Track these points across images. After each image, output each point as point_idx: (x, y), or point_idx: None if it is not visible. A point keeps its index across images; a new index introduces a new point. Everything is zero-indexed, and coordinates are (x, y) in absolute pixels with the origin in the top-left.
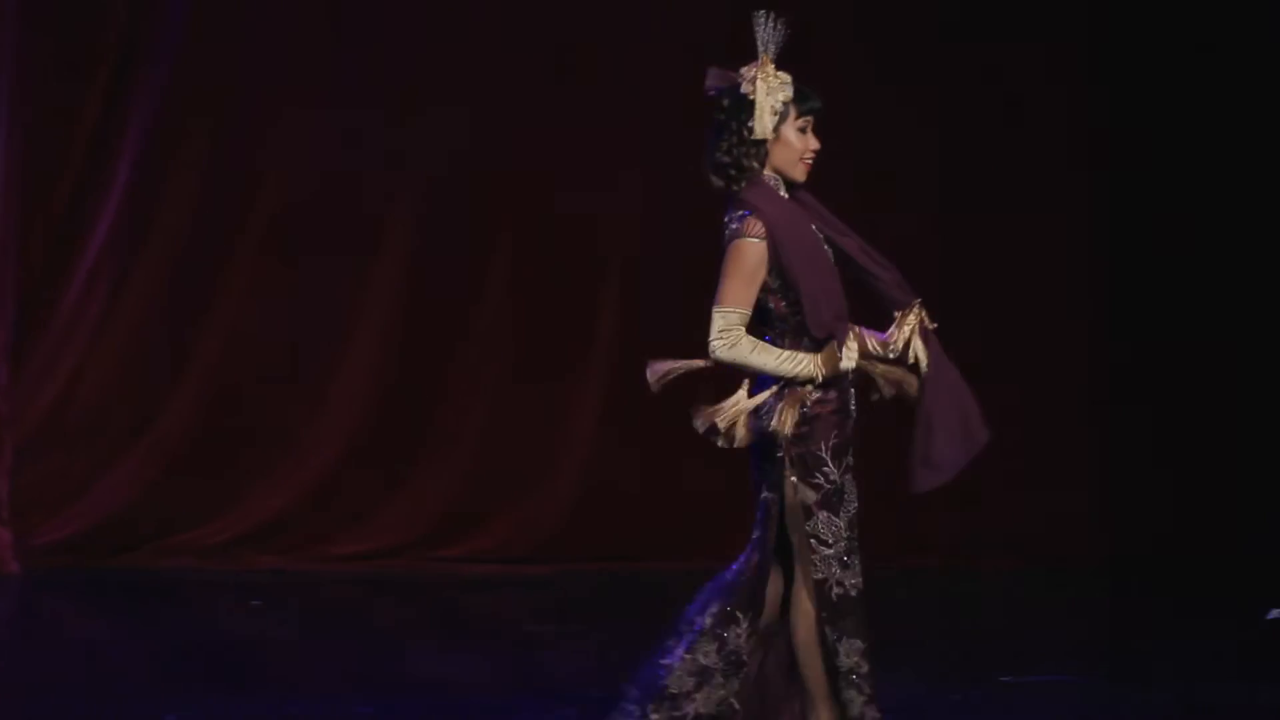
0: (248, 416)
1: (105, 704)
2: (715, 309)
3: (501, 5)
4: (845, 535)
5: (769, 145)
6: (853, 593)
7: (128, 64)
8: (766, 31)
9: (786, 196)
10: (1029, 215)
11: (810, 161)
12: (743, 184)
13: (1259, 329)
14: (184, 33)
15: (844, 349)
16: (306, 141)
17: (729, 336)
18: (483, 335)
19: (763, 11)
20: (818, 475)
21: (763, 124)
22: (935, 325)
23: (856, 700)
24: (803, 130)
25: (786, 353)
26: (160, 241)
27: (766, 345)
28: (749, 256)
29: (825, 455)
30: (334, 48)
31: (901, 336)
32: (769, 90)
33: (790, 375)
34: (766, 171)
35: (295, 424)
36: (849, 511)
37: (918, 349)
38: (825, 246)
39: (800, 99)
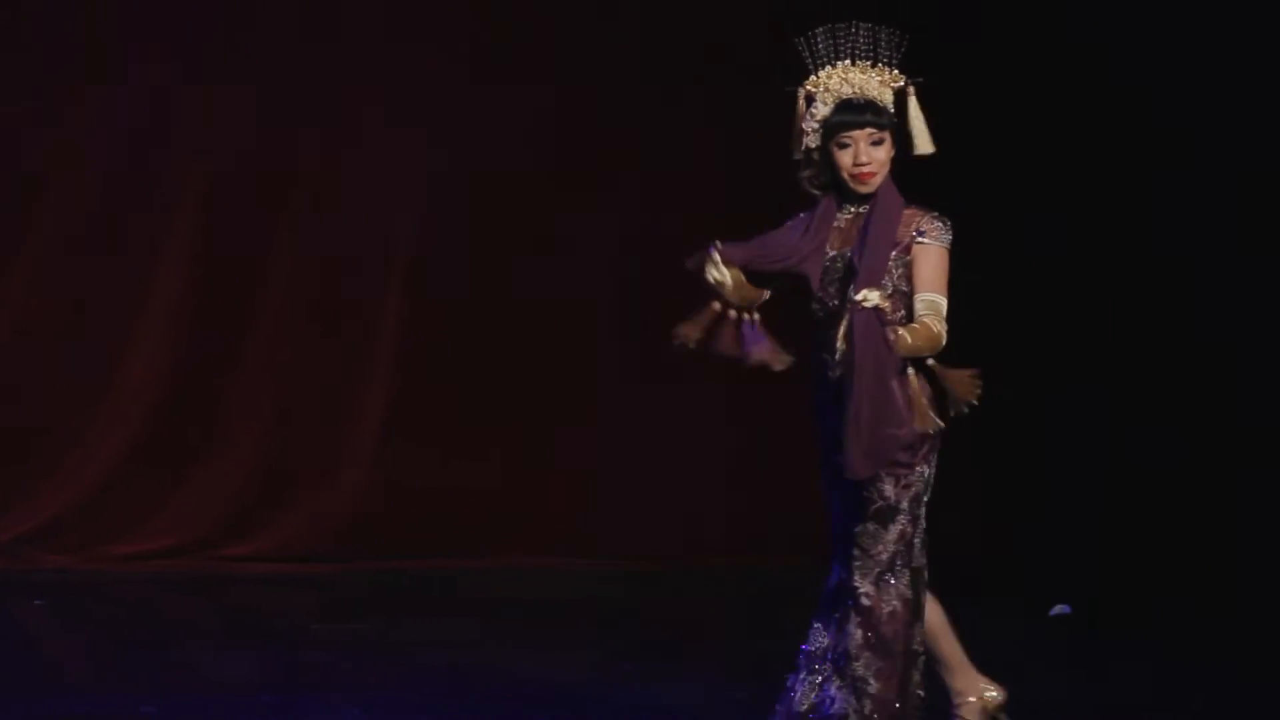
0: (31, 414)
1: None
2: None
3: (290, 2)
4: None
5: (827, 161)
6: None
7: None
8: (822, 48)
9: (848, 211)
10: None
11: (862, 173)
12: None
13: (1029, 334)
14: None
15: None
16: (90, 136)
17: None
18: (267, 333)
19: (825, 27)
20: None
21: (793, 144)
22: (875, 304)
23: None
24: (844, 146)
25: None
26: None
27: None
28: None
29: None
30: (118, 43)
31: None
32: (801, 113)
33: None
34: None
35: (79, 422)
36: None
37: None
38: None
39: (838, 113)
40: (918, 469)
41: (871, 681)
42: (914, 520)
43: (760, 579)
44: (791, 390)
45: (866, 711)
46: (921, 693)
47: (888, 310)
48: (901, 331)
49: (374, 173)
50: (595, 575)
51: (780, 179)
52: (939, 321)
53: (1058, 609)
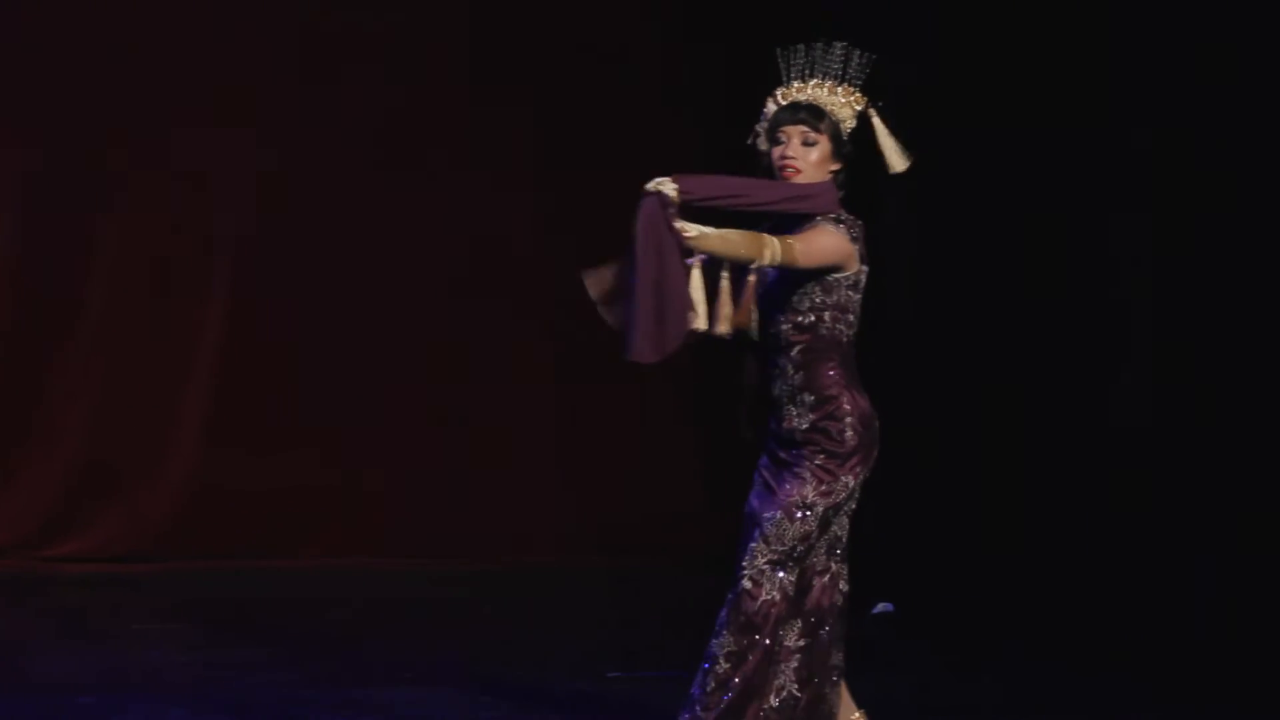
0: None
1: None
2: None
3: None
4: None
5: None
6: None
7: None
8: (800, 63)
9: None
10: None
11: (784, 165)
12: None
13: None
14: None
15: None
16: None
17: None
18: (87, 333)
19: (806, 45)
20: None
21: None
22: (660, 191)
23: None
24: (779, 141)
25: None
26: None
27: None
28: None
29: None
30: None
31: None
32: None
33: None
34: None
35: None
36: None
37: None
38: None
39: (779, 111)
40: (843, 479)
41: (721, 661)
42: (823, 525)
43: (589, 578)
44: (626, 390)
45: (708, 690)
46: (792, 692)
47: (675, 200)
48: (709, 230)
49: (199, 172)
50: (419, 574)
51: (599, 180)
52: (775, 239)
53: (880, 607)
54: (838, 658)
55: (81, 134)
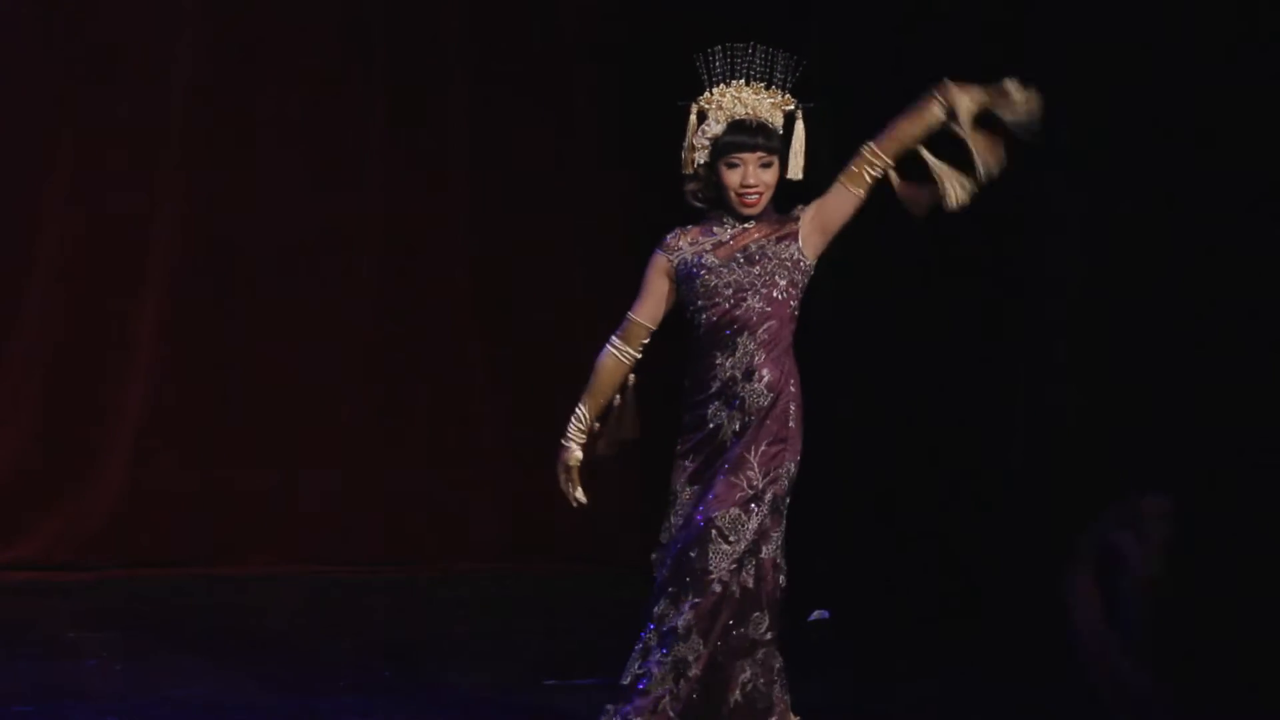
0: None
1: None
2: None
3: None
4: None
5: (714, 178)
6: None
7: None
8: (718, 66)
9: (731, 225)
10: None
11: (747, 196)
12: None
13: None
14: None
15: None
16: None
17: (613, 342)
18: (23, 336)
19: (723, 46)
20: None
21: (683, 160)
22: None
23: None
24: (733, 165)
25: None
26: None
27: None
28: (650, 265)
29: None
30: None
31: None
32: (692, 129)
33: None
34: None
35: None
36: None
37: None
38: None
39: (730, 132)
40: (786, 464)
41: (693, 665)
42: (777, 516)
43: (526, 585)
44: (563, 394)
45: (682, 695)
46: (758, 685)
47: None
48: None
49: (132, 175)
50: (356, 581)
51: (527, 181)
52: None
53: (816, 614)
54: (779, 656)
55: (13, 145)
